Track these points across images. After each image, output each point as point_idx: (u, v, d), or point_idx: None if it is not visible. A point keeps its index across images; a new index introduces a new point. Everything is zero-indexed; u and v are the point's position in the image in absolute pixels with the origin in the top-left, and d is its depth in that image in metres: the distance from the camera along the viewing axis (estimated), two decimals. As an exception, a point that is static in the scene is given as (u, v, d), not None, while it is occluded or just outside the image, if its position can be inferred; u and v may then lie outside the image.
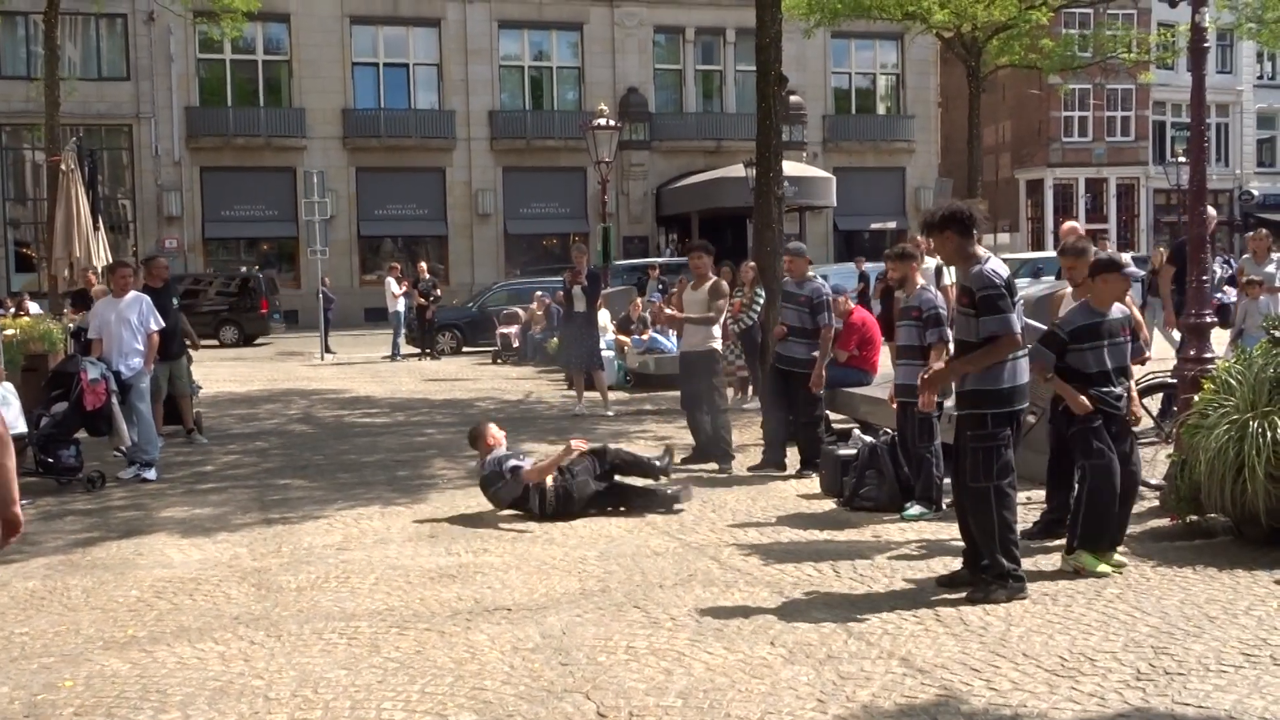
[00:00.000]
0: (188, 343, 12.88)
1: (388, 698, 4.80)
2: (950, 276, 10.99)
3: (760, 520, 8.09)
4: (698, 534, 7.69)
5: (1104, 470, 6.35)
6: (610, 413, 13.89)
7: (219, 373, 20.49)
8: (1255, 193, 47.59)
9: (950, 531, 6.95)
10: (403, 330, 24.82)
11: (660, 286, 24.47)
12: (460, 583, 6.58)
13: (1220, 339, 10.13)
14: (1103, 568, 6.31)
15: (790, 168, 22.74)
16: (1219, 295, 12.14)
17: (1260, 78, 49.65)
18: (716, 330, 10.64)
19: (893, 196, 42.51)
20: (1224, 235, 42.49)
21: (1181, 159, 34.02)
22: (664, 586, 6.38)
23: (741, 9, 31.41)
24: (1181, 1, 9.83)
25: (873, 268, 26.18)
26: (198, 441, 12.38)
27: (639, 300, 20.61)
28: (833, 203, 37.87)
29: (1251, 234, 13.36)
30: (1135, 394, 6.87)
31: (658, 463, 8.71)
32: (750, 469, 9.98)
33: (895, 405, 8.37)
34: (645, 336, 17.77)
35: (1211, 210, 9.88)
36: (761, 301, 13.51)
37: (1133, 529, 6.82)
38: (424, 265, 27.21)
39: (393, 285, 24.76)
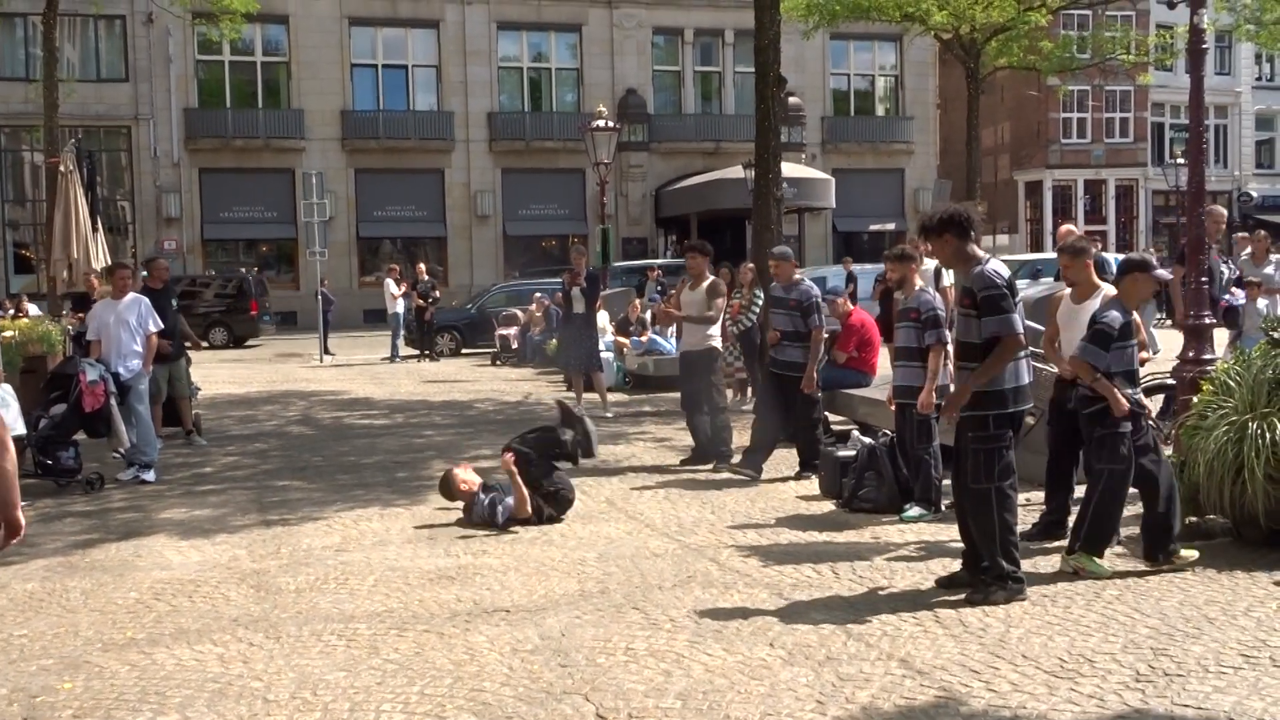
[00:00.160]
0: (187, 344, 12.88)
1: (387, 699, 4.80)
2: (949, 278, 11.01)
3: (759, 522, 8.10)
4: (697, 535, 7.69)
5: (1122, 477, 6.33)
6: (609, 414, 13.89)
7: (218, 374, 20.48)
8: (1254, 194, 47.55)
9: (949, 533, 6.95)
10: (402, 332, 24.79)
11: (659, 288, 24.48)
12: (459, 584, 6.58)
13: (1220, 339, 10.13)
14: (1107, 566, 6.31)
15: (789, 169, 22.71)
16: (1227, 297, 12.05)
17: (1259, 79, 49.63)
18: (716, 329, 10.63)
19: (892, 198, 42.49)
20: (1224, 236, 42.43)
21: (1180, 160, 33.97)
22: (663, 588, 6.38)
23: (740, 10, 31.47)
24: (1180, 3, 9.86)
25: (860, 269, 26.25)
26: (196, 443, 12.38)
27: (638, 302, 20.62)
28: (831, 204, 37.88)
29: (1248, 235, 13.32)
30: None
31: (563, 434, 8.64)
32: (728, 465, 9.92)
33: (894, 407, 8.38)
34: (644, 338, 17.77)
35: (1222, 210, 9.89)
36: (760, 303, 13.50)
37: (1132, 530, 6.81)
38: (423, 267, 27.16)
39: (391, 287, 24.74)
